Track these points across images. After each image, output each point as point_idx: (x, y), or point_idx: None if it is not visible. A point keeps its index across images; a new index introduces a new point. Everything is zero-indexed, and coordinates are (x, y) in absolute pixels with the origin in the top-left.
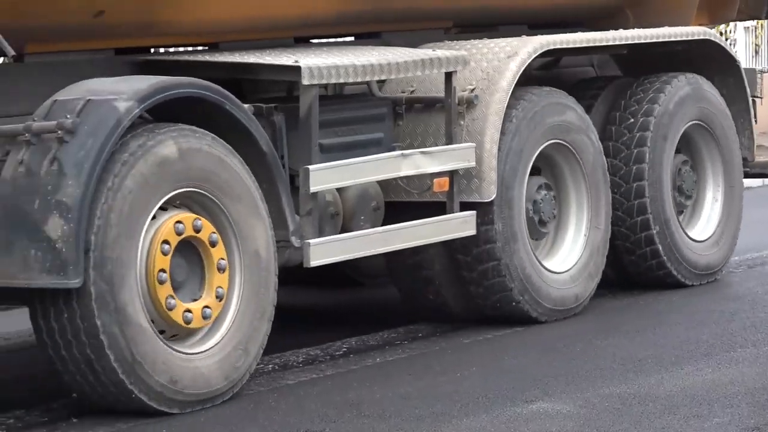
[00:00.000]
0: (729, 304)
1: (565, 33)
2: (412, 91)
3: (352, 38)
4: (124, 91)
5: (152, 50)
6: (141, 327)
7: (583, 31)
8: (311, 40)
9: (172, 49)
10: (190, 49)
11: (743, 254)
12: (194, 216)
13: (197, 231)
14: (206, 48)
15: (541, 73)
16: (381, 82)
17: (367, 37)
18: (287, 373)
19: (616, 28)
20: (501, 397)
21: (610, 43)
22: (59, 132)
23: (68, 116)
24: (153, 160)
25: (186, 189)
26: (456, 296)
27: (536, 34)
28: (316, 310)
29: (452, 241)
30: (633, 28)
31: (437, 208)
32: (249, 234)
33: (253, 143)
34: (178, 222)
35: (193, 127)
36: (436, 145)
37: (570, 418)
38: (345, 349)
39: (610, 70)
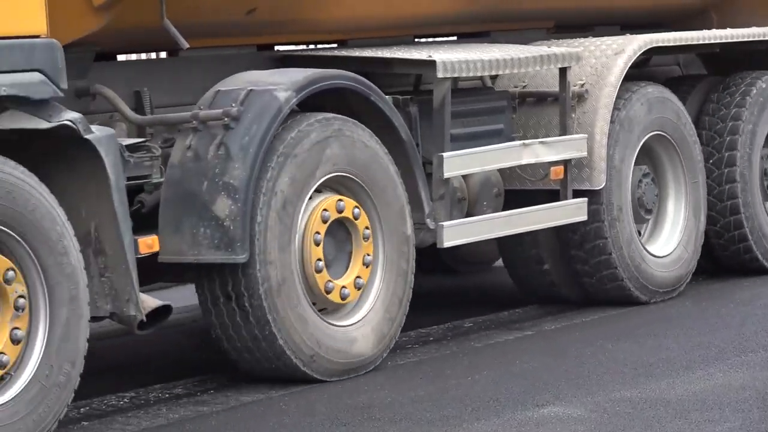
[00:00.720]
0: (741, 308)
1: (661, 33)
2: (524, 86)
3: (454, 37)
4: (282, 82)
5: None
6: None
7: (669, 31)
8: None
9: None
10: (319, 46)
11: None
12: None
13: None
14: (334, 45)
15: (634, 71)
16: (493, 78)
17: (477, 35)
18: None
19: (701, 29)
20: (512, 401)
21: (706, 41)
22: (225, 119)
23: (233, 105)
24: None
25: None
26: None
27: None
28: None
29: (562, 226)
30: (716, 28)
31: (546, 196)
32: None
33: (393, 132)
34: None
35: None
36: (547, 137)
37: (581, 423)
38: None
39: (695, 69)
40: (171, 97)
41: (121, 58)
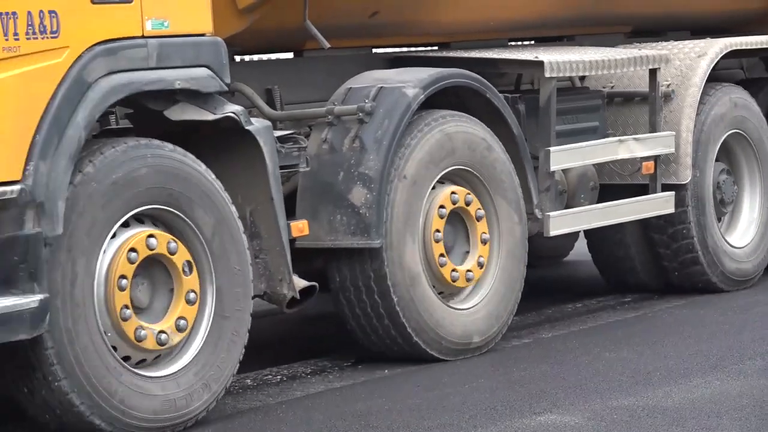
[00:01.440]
0: (738, 316)
1: (737, 37)
2: (612, 87)
3: (531, 42)
4: (409, 80)
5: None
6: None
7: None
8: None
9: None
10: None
11: None
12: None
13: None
14: (435, 47)
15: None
16: (581, 78)
17: (562, 39)
18: (296, 384)
19: (762, 33)
20: (509, 409)
21: None
22: (360, 114)
23: (366, 101)
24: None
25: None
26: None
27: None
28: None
29: (648, 218)
30: None
31: (632, 190)
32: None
33: (506, 128)
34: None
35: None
36: (635, 134)
37: (578, 430)
38: (353, 360)
39: (757, 72)
40: (296, 94)
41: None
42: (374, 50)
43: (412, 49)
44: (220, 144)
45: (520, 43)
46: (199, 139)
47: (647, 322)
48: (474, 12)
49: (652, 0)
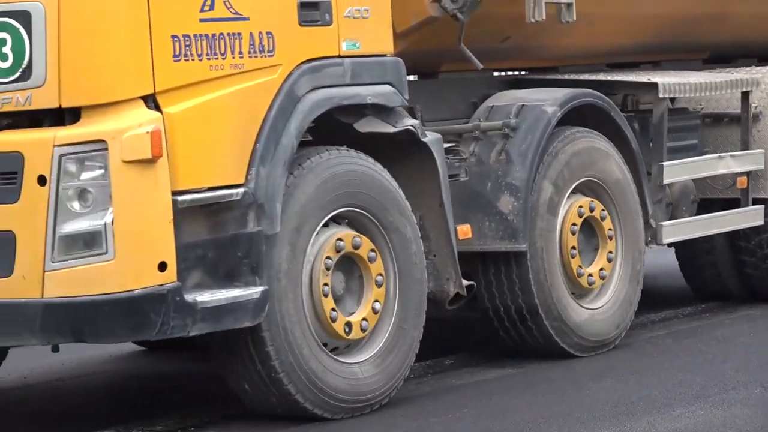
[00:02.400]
0: (721, 346)
1: None
2: (701, 108)
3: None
4: (547, 99)
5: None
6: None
7: None
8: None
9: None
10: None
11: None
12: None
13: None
14: (545, 70)
15: None
16: (671, 100)
17: (649, 64)
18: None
19: None
20: None
21: None
22: (505, 129)
23: (510, 118)
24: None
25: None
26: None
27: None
28: None
29: (736, 230)
30: None
31: (720, 204)
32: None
33: (626, 143)
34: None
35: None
36: (725, 152)
37: None
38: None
39: None
40: (432, 113)
41: None
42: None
43: (518, 72)
44: (394, 153)
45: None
46: (376, 149)
47: (630, 352)
48: (585, 39)
49: (728, 29)
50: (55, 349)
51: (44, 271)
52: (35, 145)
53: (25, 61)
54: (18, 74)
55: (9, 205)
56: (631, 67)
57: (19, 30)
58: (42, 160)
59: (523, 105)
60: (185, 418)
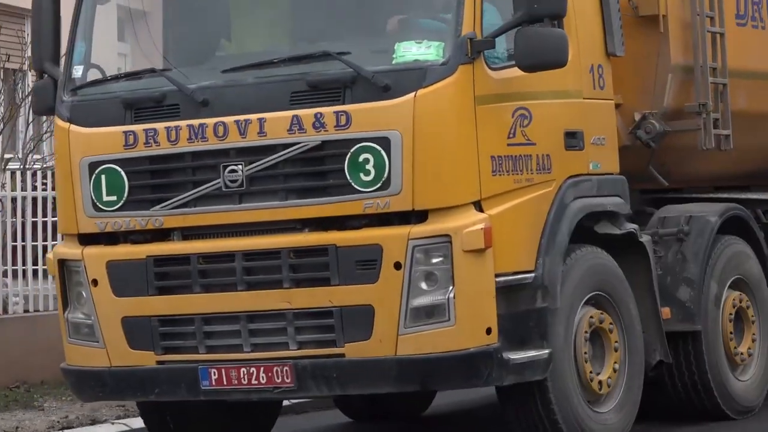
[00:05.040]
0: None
1: None
2: None
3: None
4: (708, 211)
5: None
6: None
7: None
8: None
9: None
10: None
11: None
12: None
13: (740, 302)
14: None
15: None
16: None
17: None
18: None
19: None
20: None
21: None
22: (680, 234)
23: (682, 225)
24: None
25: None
26: None
27: None
28: None
29: None
30: None
31: None
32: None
33: (759, 247)
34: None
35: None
36: None
37: None
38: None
39: None
40: None
41: None
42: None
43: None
44: (615, 249)
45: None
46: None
47: None
48: (717, 165)
49: None
50: None
51: (398, 335)
52: (393, 238)
53: (385, 175)
54: (379, 185)
55: (369, 284)
56: (742, 188)
57: (380, 152)
58: (398, 250)
59: (691, 216)
60: None
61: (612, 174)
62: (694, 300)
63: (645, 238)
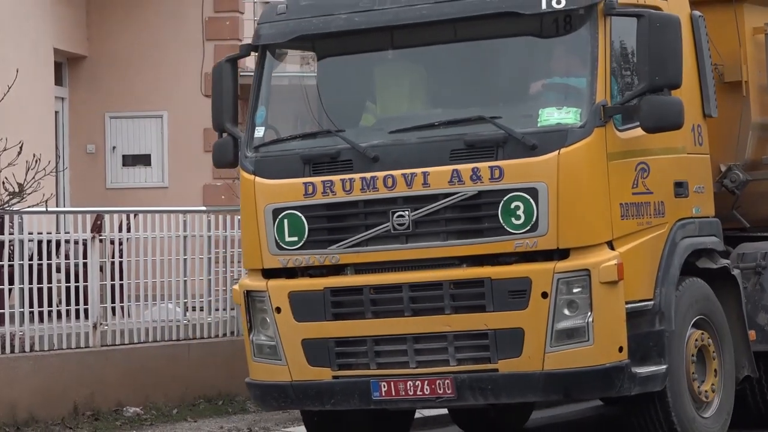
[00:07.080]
0: None
1: None
2: None
3: None
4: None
5: None
6: None
7: None
8: None
9: None
10: None
11: None
12: None
13: None
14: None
15: None
16: None
17: None
18: None
19: None
20: None
21: None
22: (758, 268)
23: (759, 261)
24: None
25: None
26: None
27: None
28: None
29: None
30: None
31: None
32: None
33: None
34: None
35: None
36: None
37: None
38: None
39: None
40: None
41: None
42: None
43: None
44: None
45: None
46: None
47: None
48: None
49: None
50: None
51: (545, 353)
52: (541, 272)
53: (533, 220)
54: (528, 228)
55: (520, 311)
56: None
57: (529, 200)
58: (545, 282)
59: (766, 252)
60: None
61: (709, 217)
62: None
63: (736, 272)
